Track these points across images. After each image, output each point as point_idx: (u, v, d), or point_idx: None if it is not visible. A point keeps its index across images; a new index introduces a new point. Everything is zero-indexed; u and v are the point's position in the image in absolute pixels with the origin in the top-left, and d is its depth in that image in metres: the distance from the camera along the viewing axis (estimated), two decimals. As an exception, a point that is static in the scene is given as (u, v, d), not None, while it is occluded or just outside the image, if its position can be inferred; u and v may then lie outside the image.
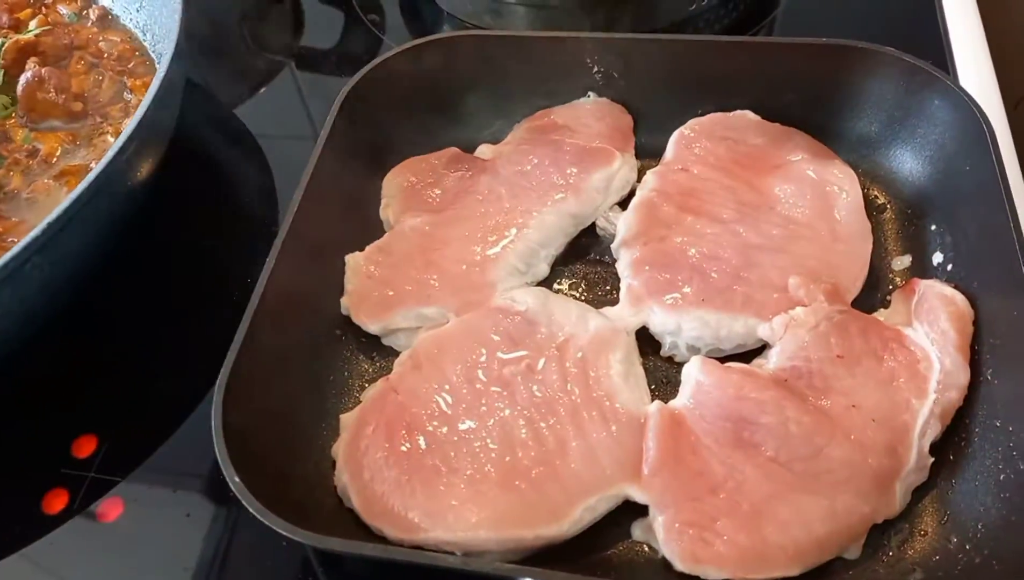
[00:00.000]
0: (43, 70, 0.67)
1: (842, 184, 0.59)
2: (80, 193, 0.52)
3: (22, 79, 0.68)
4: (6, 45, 0.71)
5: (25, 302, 0.53)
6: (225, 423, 0.45)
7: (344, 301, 0.57)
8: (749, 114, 0.62)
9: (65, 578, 0.51)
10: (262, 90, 0.87)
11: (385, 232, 0.62)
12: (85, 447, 0.55)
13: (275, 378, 0.51)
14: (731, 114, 0.62)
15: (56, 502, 0.53)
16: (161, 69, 0.59)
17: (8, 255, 0.49)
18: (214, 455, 0.52)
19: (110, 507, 0.52)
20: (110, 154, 0.54)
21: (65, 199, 0.52)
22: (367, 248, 0.59)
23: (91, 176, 0.53)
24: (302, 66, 0.90)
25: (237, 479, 0.43)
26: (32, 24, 0.76)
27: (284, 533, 0.41)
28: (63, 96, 0.67)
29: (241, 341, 0.48)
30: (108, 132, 0.68)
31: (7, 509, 0.53)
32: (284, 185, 0.73)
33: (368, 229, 0.62)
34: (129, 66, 0.74)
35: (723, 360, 0.52)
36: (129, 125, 0.55)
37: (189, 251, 0.69)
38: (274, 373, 0.51)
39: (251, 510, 0.42)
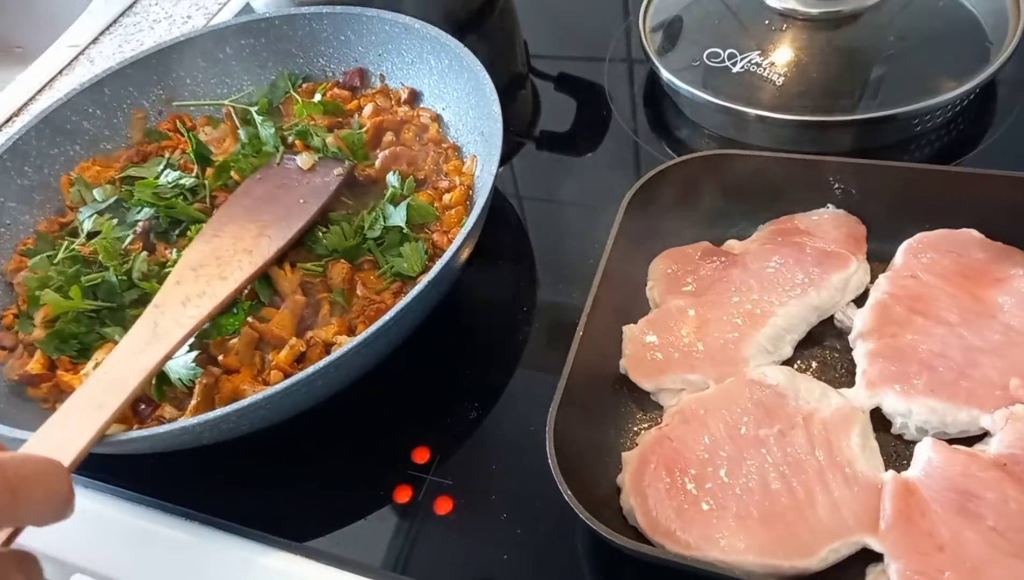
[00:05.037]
0: (398, 148, 0.88)
1: (1059, 299, 0.68)
2: (423, 287, 0.68)
3: (380, 155, 0.88)
4: (367, 127, 0.92)
5: (378, 353, 0.72)
6: (557, 451, 0.61)
7: (623, 363, 0.72)
8: (973, 232, 0.73)
9: (408, 549, 0.68)
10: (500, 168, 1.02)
11: (650, 308, 0.77)
12: (421, 455, 0.73)
13: (576, 422, 0.66)
14: (956, 231, 0.73)
15: (404, 494, 0.70)
16: (487, 184, 0.75)
17: (379, 323, 0.66)
18: (522, 471, 0.69)
19: (443, 503, 0.69)
20: (447, 256, 0.70)
21: (417, 286, 0.69)
22: (639, 321, 0.74)
23: (431, 275, 0.69)
24: (540, 147, 1.08)
25: (570, 493, 0.58)
26: (367, 109, 0.98)
27: (608, 537, 0.56)
28: (411, 168, 0.87)
29: (563, 390, 0.64)
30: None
31: (370, 496, 0.70)
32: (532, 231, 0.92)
33: (635, 304, 0.77)
34: (444, 146, 0.93)
35: (947, 442, 0.62)
36: (462, 231, 0.72)
37: (478, 297, 0.86)
38: (576, 418, 0.66)
39: (582, 517, 0.57)
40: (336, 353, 0.66)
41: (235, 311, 0.77)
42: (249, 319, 0.76)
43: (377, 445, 0.74)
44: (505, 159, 1.03)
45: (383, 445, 0.74)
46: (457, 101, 0.94)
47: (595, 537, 0.59)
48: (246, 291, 0.79)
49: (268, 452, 0.74)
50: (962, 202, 0.73)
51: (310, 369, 0.65)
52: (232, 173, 0.90)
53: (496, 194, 0.98)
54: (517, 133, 1.09)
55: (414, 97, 0.99)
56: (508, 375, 0.79)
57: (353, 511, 0.71)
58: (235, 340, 0.75)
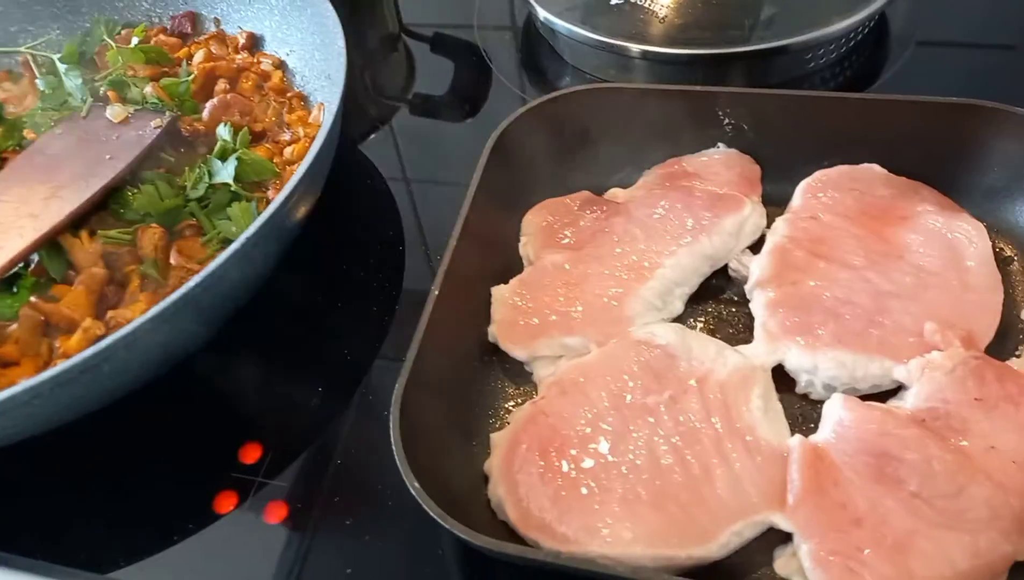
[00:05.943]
0: (229, 96, 0.75)
1: (970, 236, 0.61)
2: (240, 245, 0.56)
3: (208, 104, 0.75)
4: (194, 75, 0.79)
5: (191, 331, 0.59)
6: (403, 437, 0.49)
7: (492, 329, 0.61)
8: (876, 167, 0.65)
9: (232, 572, 0.55)
10: (371, 136, 0.91)
11: (524, 267, 0.66)
12: (251, 454, 0.60)
13: (434, 399, 0.55)
14: (858, 167, 0.65)
15: (226, 503, 0.57)
16: (325, 126, 0.64)
17: (181, 291, 0.53)
18: (372, 467, 0.57)
19: (275, 510, 0.57)
20: (273, 206, 0.58)
21: (233, 243, 0.56)
22: (511, 281, 0.64)
23: (251, 229, 0.56)
24: (415, 111, 0.96)
25: (417, 485, 0.47)
26: (198, 56, 0.83)
27: (465, 538, 0.45)
28: (246, 119, 0.74)
29: (412, 363, 0.53)
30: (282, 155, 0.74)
31: (188, 510, 0.57)
32: (401, 203, 0.80)
33: (507, 263, 0.66)
34: (287, 96, 0.80)
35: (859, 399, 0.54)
36: (295, 176, 0.60)
37: (331, 275, 0.74)
38: (433, 395, 0.55)
39: (433, 515, 0.46)
40: (123, 329, 0.52)
41: (15, 290, 0.63)
42: (32, 299, 0.62)
43: (197, 446, 0.61)
44: (377, 125, 0.92)
45: (204, 445, 0.61)
46: (302, 43, 0.82)
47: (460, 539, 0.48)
48: (32, 266, 0.64)
49: (59, 464, 0.60)
50: (863, 135, 0.66)
51: (88, 351, 0.51)
52: (26, 132, 0.75)
53: (364, 160, 0.87)
54: (389, 97, 0.98)
55: (254, 42, 0.85)
56: (363, 356, 0.67)
57: (167, 531, 0.57)
58: (14, 326, 0.61)
